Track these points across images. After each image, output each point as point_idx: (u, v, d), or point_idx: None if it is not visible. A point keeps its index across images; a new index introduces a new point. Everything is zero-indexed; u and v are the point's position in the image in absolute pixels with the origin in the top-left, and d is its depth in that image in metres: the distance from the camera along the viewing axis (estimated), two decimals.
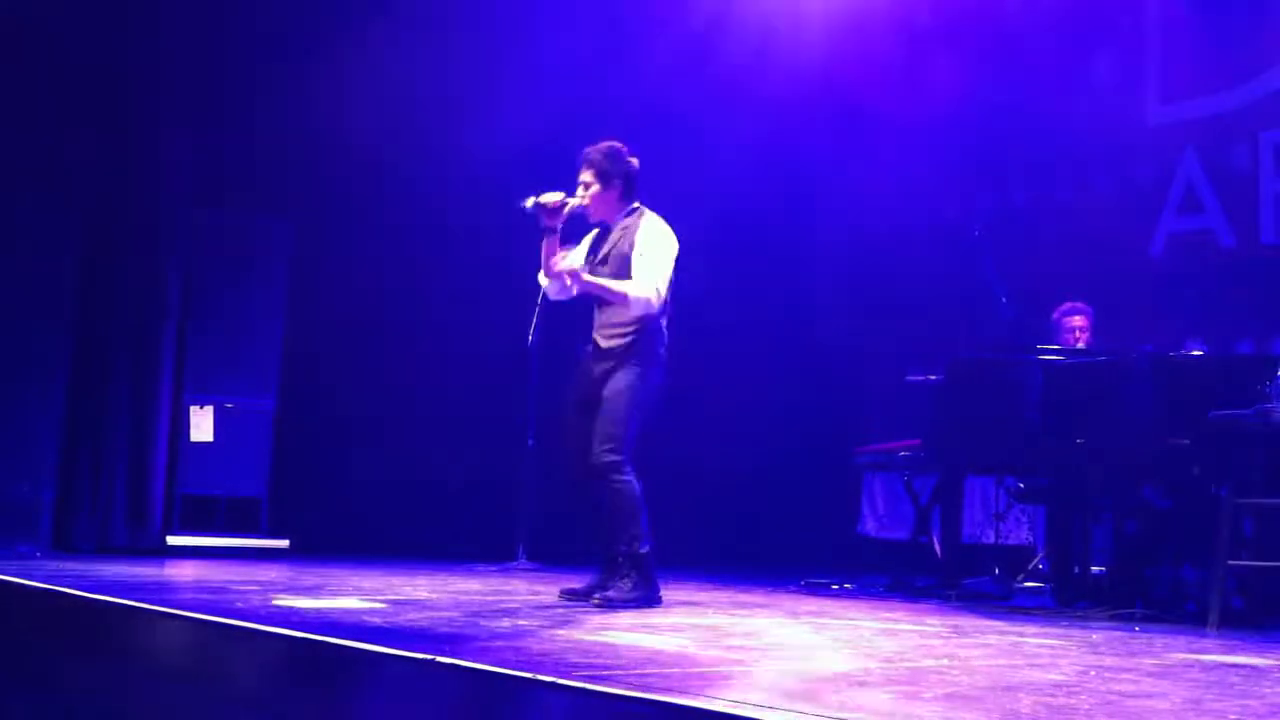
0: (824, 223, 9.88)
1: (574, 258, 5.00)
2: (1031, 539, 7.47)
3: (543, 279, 5.00)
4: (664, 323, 4.89)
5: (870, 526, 9.22)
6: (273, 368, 7.94)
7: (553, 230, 4.86)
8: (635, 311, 4.77)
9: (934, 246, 8.92)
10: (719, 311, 9.21)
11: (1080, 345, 6.52)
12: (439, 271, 8.58)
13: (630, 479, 4.67)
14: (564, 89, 8.37)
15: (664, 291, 4.80)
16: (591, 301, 4.98)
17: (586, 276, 4.84)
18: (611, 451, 4.65)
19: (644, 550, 4.67)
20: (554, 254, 4.91)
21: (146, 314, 7.60)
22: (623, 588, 4.63)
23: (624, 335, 4.81)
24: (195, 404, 7.69)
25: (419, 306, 8.63)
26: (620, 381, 4.74)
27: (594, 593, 4.72)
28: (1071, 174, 8.46)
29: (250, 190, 8.03)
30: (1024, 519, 7.79)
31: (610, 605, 4.54)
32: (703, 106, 9.30)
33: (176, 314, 7.69)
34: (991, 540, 7.40)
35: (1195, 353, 7.05)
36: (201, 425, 7.66)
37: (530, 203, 4.80)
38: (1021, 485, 6.71)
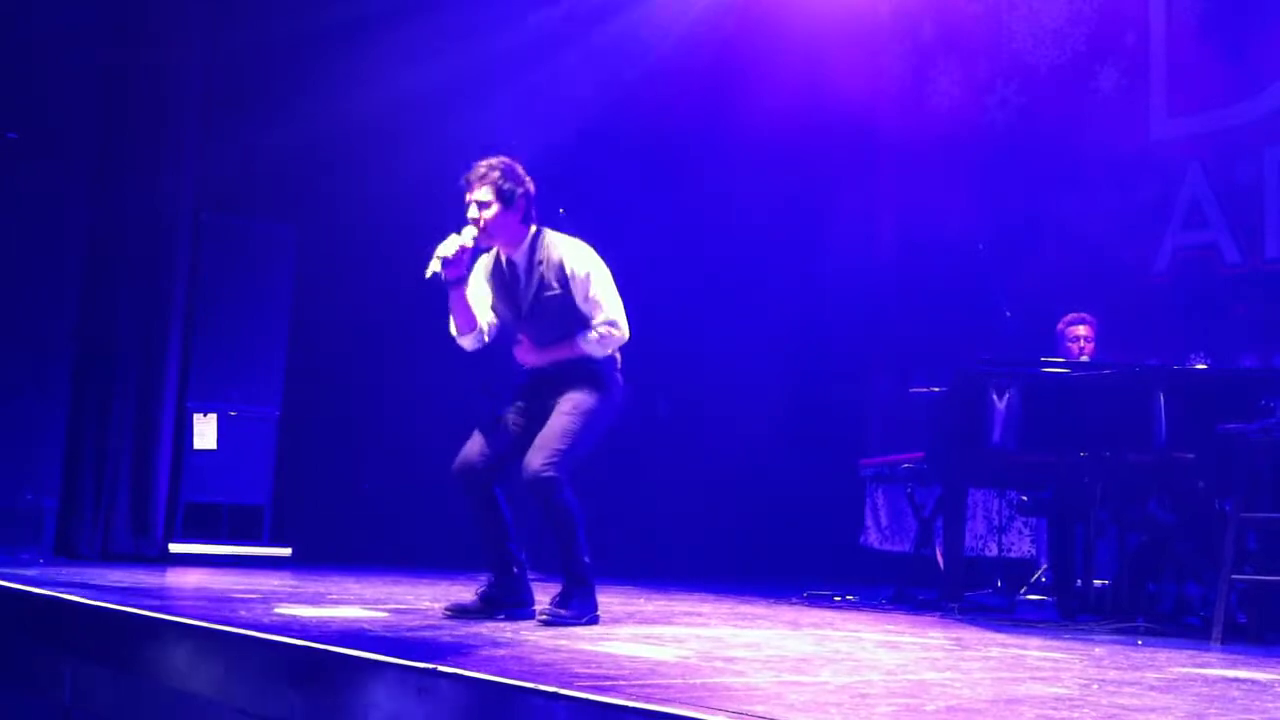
0: (829, 236, 9.88)
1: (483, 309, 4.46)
2: (1034, 552, 7.47)
3: (454, 331, 4.45)
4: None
5: (873, 538, 9.20)
6: (277, 375, 7.93)
7: (460, 280, 4.29)
8: (610, 349, 4.36)
9: (938, 259, 8.92)
10: (724, 324, 9.21)
11: (1084, 355, 6.51)
12: None
13: (569, 497, 4.23)
14: (563, 101, 8.39)
15: (624, 319, 4.34)
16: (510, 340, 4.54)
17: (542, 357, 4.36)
18: (553, 467, 4.16)
19: (587, 562, 4.32)
20: (464, 306, 4.35)
21: (151, 320, 7.60)
22: (568, 607, 4.26)
23: (576, 364, 4.36)
24: (199, 411, 7.69)
25: (424, 314, 8.61)
26: (580, 398, 4.28)
27: (493, 605, 4.39)
28: (1076, 188, 8.45)
29: (256, 195, 8.04)
30: (1026, 532, 7.78)
31: (562, 622, 4.19)
32: (709, 124, 9.32)
33: (181, 320, 7.68)
34: (994, 553, 7.39)
35: (1200, 366, 7.04)
36: (205, 432, 7.65)
37: (435, 268, 4.20)
38: (1024, 498, 6.71)
